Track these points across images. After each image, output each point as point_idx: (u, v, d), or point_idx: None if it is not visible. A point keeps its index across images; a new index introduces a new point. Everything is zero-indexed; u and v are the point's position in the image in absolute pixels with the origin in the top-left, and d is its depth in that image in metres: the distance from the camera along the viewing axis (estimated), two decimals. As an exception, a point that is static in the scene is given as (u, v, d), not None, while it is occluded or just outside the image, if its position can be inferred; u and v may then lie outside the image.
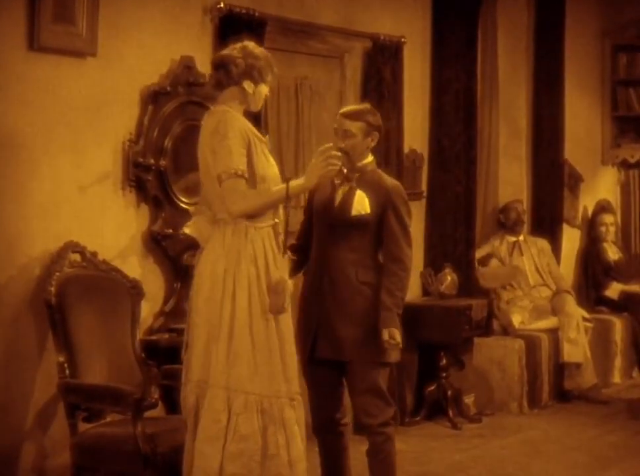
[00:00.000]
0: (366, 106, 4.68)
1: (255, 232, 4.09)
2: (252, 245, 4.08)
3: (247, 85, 4.18)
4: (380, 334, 4.40)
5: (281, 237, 4.17)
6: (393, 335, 4.41)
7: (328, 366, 4.53)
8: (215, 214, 4.13)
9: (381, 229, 4.51)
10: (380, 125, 4.63)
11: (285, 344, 4.11)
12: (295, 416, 4.11)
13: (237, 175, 4.00)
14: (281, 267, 4.12)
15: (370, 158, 4.62)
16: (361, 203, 4.48)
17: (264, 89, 4.25)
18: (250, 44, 4.26)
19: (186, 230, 4.30)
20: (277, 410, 4.05)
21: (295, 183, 4.10)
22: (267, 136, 4.34)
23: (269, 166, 4.18)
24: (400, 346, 4.47)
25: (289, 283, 4.11)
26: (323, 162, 4.09)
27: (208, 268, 4.09)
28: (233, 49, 4.23)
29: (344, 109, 4.64)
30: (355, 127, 4.50)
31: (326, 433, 4.62)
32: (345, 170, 4.49)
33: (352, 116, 4.54)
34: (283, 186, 4.08)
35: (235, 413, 4.00)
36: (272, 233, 4.15)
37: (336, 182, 4.53)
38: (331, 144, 4.22)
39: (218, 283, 4.05)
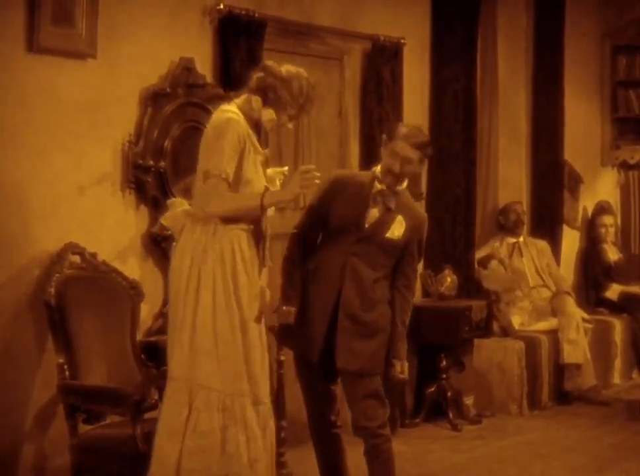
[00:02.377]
0: (427, 134, 4.66)
1: (223, 232, 4.11)
2: (219, 245, 4.11)
3: (255, 101, 4.20)
4: (392, 365, 4.56)
5: (261, 247, 4.21)
6: (404, 368, 4.59)
7: (324, 371, 4.54)
8: (192, 207, 4.19)
9: (403, 254, 4.57)
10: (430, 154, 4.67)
11: (252, 350, 4.12)
12: (258, 422, 4.12)
13: (221, 177, 4.03)
14: (250, 271, 4.13)
15: (405, 183, 4.63)
16: (398, 229, 4.52)
17: (268, 115, 4.23)
18: (302, 76, 4.23)
19: (163, 221, 4.37)
20: (239, 409, 4.07)
21: (268, 197, 4.10)
22: (267, 149, 4.34)
23: (257, 178, 4.19)
24: (407, 378, 4.69)
25: (267, 292, 4.19)
26: (301, 182, 4.12)
27: (177, 262, 4.16)
28: (282, 66, 4.25)
29: (409, 134, 4.54)
30: (416, 155, 4.50)
31: (322, 435, 4.64)
32: (384, 188, 4.51)
33: (418, 146, 4.51)
34: (258, 196, 4.09)
35: (196, 409, 4.03)
36: (243, 236, 4.15)
37: (379, 200, 4.53)
38: (313, 166, 4.22)
39: (183, 277, 4.10)
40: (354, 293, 4.48)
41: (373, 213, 4.53)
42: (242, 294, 4.09)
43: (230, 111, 4.16)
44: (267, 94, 4.19)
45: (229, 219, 4.11)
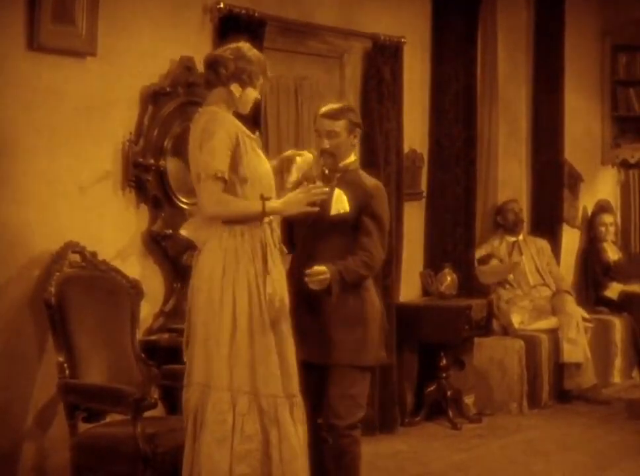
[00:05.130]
0: (344, 103, 4.69)
1: (253, 231, 4.10)
2: (249, 245, 4.09)
3: (234, 88, 4.17)
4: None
5: (277, 233, 4.19)
6: (313, 273, 4.27)
7: (308, 369, 4.45)
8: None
9: (358, 228, 4.46)
10: (360, 121, 4.62)
11: (285, 342, 4.13)
12: (292, 416, 4.11)
13: (215, 177, 4.00)
14: (278, 264, 4.14)
15: (353, 158, 4.61)
16: (340, 202, 4.46)
17: (252, 93, 4.22)
18: (245, 46, 4.23)
19: (182, 232, 4.28)
20: (273, 410, 4.07)
21: (271, 205, 4.10)
22: (257, 133, 4.32)
23: (260, 164, 4.18)
24: (312, 284, 4.29)
25: (278, 295, 4.10)
26: (308, 199, 4.14)
27: (206, 269, 4.09)
28: (226, 50, 4.22)
29: (323, 110, 4.56)
30: (338, 126, 4.48)
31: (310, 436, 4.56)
32: (326, 171, 4.52)
33: (334, 115, 4.51)
34: (259, 202, 4.08)
35: (240, 414, 4.02)
36: (267, 230, 4.16)
37: (317, 183, 4.48)
38: (322, 184, 4.27)
39: (216, 284, 4.05)
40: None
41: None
42: (275, 289, 4.08)
43: (212, 110, 4.13)
44: (241, 77, 4.16)
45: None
